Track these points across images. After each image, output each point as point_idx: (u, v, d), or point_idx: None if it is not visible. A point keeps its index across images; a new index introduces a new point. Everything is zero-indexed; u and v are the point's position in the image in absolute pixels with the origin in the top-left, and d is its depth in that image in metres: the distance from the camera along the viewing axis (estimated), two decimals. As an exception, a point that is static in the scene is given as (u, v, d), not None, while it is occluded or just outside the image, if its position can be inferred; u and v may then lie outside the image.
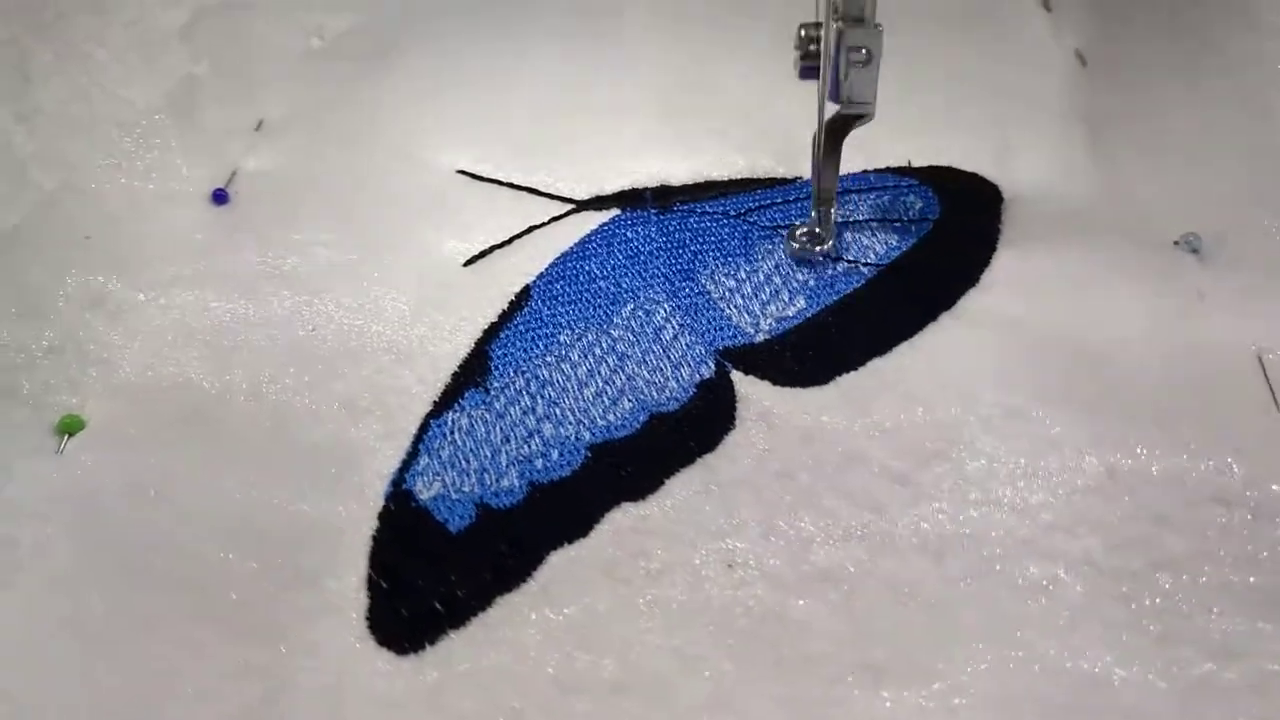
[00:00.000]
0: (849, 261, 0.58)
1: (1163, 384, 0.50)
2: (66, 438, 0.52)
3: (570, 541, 0.46)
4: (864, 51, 0.49)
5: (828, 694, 0.39)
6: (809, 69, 0.51)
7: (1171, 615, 0.41)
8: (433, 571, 0.45)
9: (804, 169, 0.64)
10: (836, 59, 0.49)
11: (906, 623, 0.41)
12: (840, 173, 0.59)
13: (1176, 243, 0.57)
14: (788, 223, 0.61)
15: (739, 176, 0.64)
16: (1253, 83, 0.61)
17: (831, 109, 0.53)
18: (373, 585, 0.45)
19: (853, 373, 0.52)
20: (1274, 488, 0.45)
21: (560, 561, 0.45)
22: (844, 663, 0.40)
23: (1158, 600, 0.42)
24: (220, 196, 0.65)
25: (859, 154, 0.64)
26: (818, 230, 0.58)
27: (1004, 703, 0.39)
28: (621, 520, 0.46)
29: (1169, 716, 0.38)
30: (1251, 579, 0.42)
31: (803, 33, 0.50)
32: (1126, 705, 0.38)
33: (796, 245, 0.58)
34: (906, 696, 0.39)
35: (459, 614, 0.43)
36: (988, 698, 0.39)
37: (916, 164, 0.64)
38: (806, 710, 0.39)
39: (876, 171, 0.64)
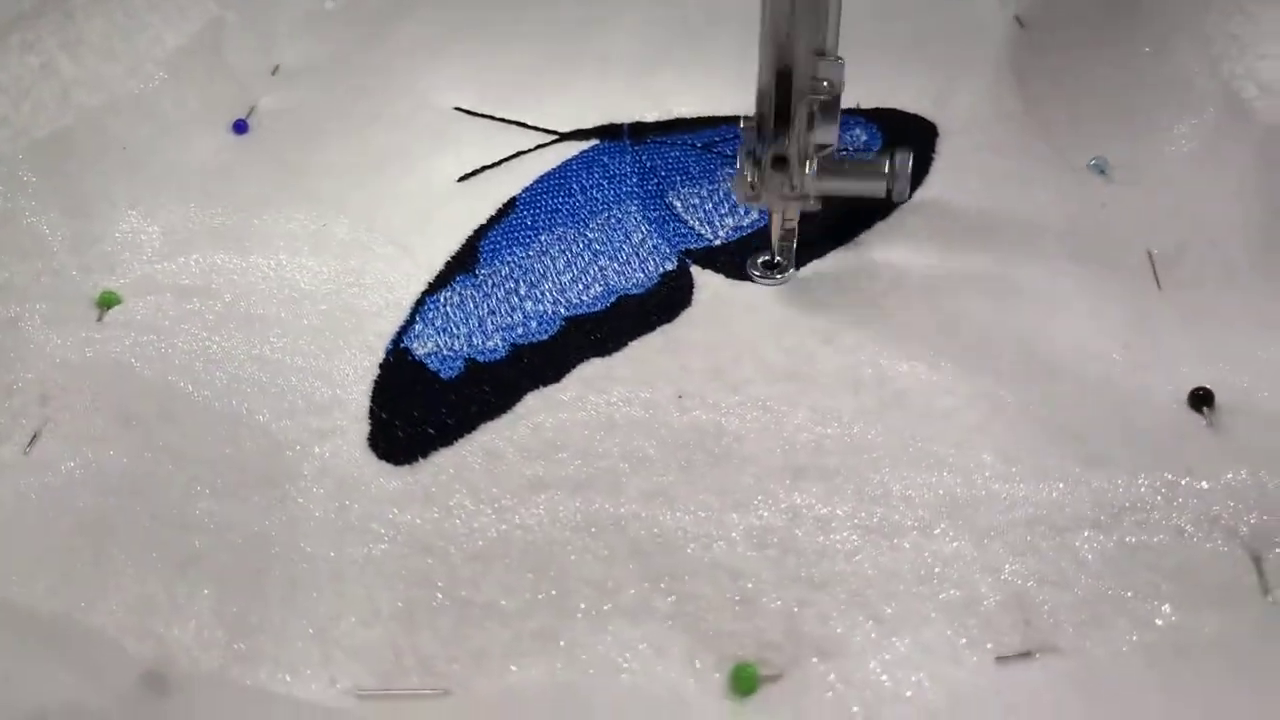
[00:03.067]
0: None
1: (1065, 271, 0.58)
2: (105, 310, 0.59)
3: (545, 385, 0.53)
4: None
5: (756, 486, 0.47)
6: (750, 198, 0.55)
7: (1049, 434, 0.48)
8: (426, 407, 0.52)
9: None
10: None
11: (824, 436, 0.49)
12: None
13: (1088, 166, 0.65)
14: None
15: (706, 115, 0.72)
16: (1159, 30, 0.69)
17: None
18: (374, 415, 0.52)
19: (794, 270, 0.60)
20: (1149, 354, 0.52)
21: (535, 399, 0.52)
22: (770, 465, 0.48)
23: (1038, 425, 0.49)
24: (240, 126, 0.73)
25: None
26: (779, 259, 0.59)
27: (905, 499, 0.46)
28: (590, 370, 0.54)
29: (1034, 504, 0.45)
30: (1127, 413, 0.49)
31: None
32: (1014, 496, 0.46)
33: (757, 273, 0.59)
34: (819, 489, 0.46)
35: (448, 435, 0.51)
36: (889, 493, 0.46)
37: (864, 106, 0.72)
38: (736, 499, 0.46)
39: (827, 110, 0.71)
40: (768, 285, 0.58)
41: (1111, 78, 0.70)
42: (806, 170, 0.53)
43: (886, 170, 0.58)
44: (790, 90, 0.51)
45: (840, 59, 0.51)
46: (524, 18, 0.82)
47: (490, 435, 0.50)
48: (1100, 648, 0.40)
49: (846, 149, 0.65)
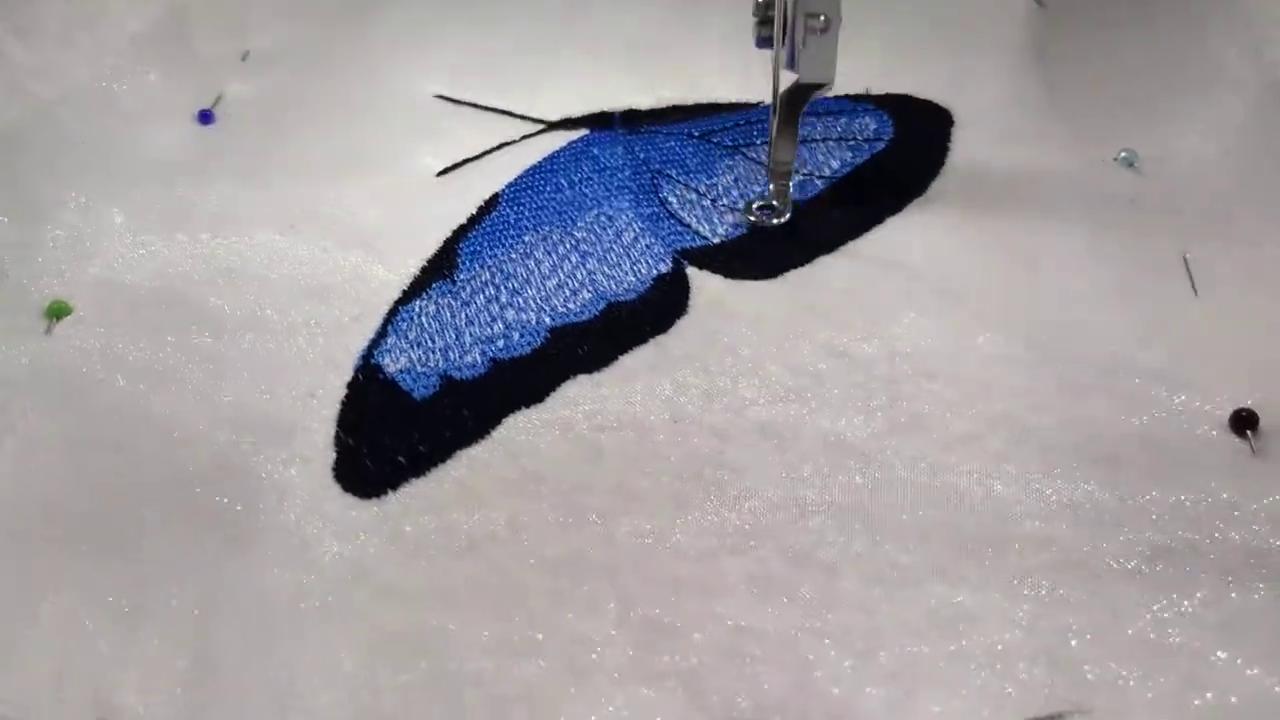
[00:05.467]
0: (805, 174, 0.61)
1: (1093, 279, 0.53)
2: (54, 320, 0.54)
3: (527, 406, 0.49)
4: (822, 19, 0.49)
5: (757, 525, 0.42)
6: (765, 39, 0.51)
7: (1079, 462, 0.44)
8: (397, 432, 0.48)
9: (765, 95, 0.67)
10: (793, 27, 0.49)
11: (835, 465, 0.44)
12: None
13: (1115, 159, 0.61)
14: (747, 142, 0.64)
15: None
16: (1193, 15, 0.64)
17: (788, 79, 0.54)
18: (340, 442, 0.47)
19: (800, 269, 0.55)
20: (1186, 370, 0.47)
21: (517, 422, 0.48)
22: (772, 500, 0.43)
23: (1068, 451, 0.44)
24: (206, 117, 0.68)
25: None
26: (774, 203, 0.58)
27: (922, 533, 0.42)
28: (576, 389, 0.49)
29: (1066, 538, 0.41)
30: (1160, 435, 0.45)
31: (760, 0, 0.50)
32: (1030, 533, 0.41)
33: (753, 218, 0.58)
34: (830, 524, 0.42)
35: (420, 465, 0.46)
36: (905, 532, 0.42)
37: (874, 92, 0.67)
38: (735, 541, 0.42)
39: (835, 97, 0.67)
40: (765, 226, 0.57)
41: (1141, 62, 0.65)
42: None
43: None
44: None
45: None
46: (509, 4, 0.77)
47: (466, 465, 0.46)
48: (1143, 711, 0.36)
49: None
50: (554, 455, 0.46)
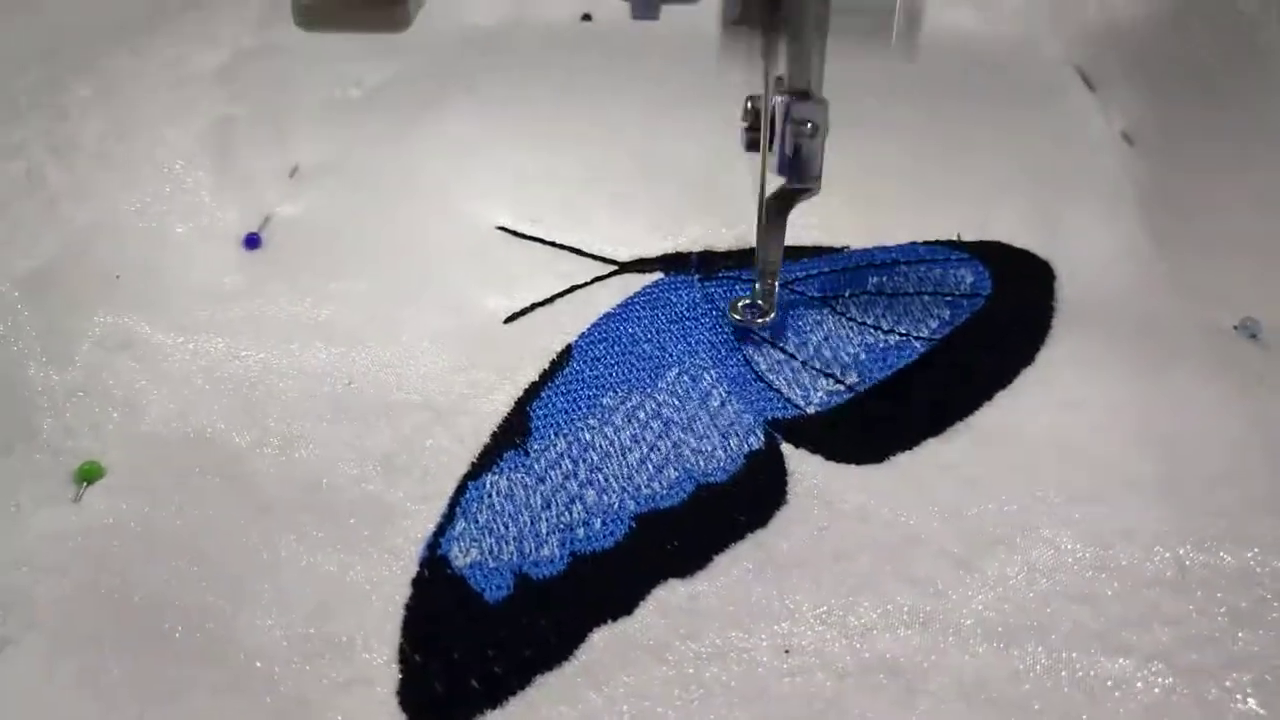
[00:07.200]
0: (901, 334, 0.57)
1: (1227, 471, 0.48)
2: (85, 485, 0.49)
3: (615, 619, 0.43)
4: (809, 125, 0.48)
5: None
6: (753, 143, 0.50)
7: (1246, 715, 0.39)
8: (469, 645, 0.42)
9: (850, 239, 0.63)
10: (783, 133, 0.48)
11: (972, 719, 0.39)
12: (885, 244, 0.59)
13: (1236, 328, 0.56)
14: (834, 292, 0.59)
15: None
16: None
17: (775, 180, 0.51)
18: (405, 657, 0.42)
19: (908, 452, 0.50)
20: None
21: (604, 640, 0.42)
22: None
23: (1236, 700, 0.39)
24: (252, 241, 0.64)
25: (905, 228, 0.63)
26: (759, 302, 0.56)
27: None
28: (669, 598, 0.44)
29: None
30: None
31: (749, 104, 0.50)
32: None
33: (738, 316, 0.56)
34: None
35: (497, 692, 0.41)
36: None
37: (966, 239, 0.63)
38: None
39: (926, 244, 0.62)
40: (753, 329, 0.56)
41: (1251, 214, 0.61)
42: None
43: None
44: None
45: (824, 100, 0.47)
46: (571, 117, 0.73)
47: (546, 695, 0.40)
48: None
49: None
50: (647, 689, 0.40)
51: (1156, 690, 0.40)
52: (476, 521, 0.47)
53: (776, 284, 0.56)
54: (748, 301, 0.56)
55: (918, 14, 0.46)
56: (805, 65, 0.47)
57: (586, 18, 0.84)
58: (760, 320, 0.56)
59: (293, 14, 0.34)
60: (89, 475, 0.50)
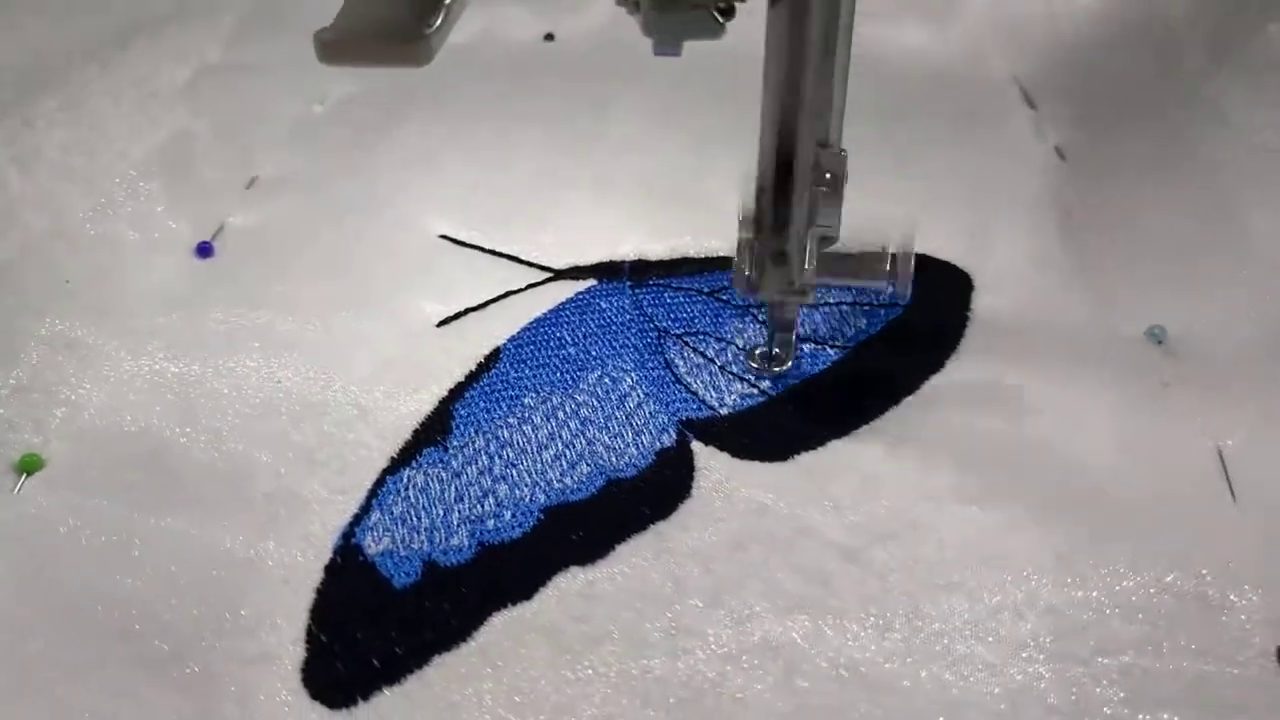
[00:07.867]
0: (816, 343, 0.59)
1: (1121, 474, 0.50)
2: (24, 477, 0.52)
3: (514, 603, 0.45)
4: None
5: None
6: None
7: (1116, 704, 0.40)
8: (373, 627, 0.44)
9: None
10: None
11: (847, 700, 0.41)
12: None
13: (1144, 334, 0.58)
14: (759, 302, 0.61)
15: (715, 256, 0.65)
16: (1222, 183, 0.62)
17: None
18: (311, 637, 0.44)
19: (811, 451, 0.52)
20: (1225, 581, 0.44)
21: (502, 623, 0.44)
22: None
23: (1102, 684, 0.41)
24: (205, 249, 0.66)
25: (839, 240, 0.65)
26: (776, 351, 0.57)
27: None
28: (568, 585, 0.46)
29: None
30: (1202, 669, 0.41)
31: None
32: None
33: (755, 365, 0.57)
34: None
35: (395, 671, 0.43)
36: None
37: (890, 251, 0.65)
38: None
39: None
40: (764, 377, 0.56)
41: (1168, 228, 0.63)
42: (807, 265, 0.50)
43: (888, 267, 0.53)
44: (791, 180, 0.47)
45: (843, 151, 0.49)
46: (527, 132, 0.75)
47: (442, 675, 0.42)
48: None
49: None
50: (537, 670, 0.42)
51: (1021, 677, 0.41)
52: (391, 513, 0.49)
53: (792, 337, 0.57)
54: (762, 351, 0.57)
55: (908, 257, 0.52)
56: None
57: (549, 37, 0.87)
58: (777, 369, 0.57)
59: (315, 50, 0.36)
60: (29, 467, 0.52)
